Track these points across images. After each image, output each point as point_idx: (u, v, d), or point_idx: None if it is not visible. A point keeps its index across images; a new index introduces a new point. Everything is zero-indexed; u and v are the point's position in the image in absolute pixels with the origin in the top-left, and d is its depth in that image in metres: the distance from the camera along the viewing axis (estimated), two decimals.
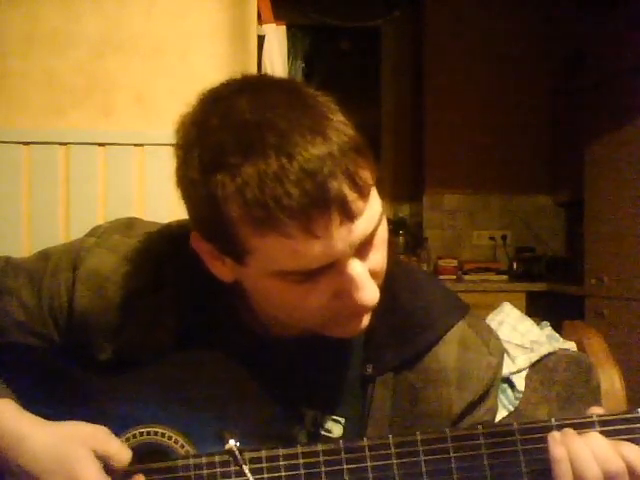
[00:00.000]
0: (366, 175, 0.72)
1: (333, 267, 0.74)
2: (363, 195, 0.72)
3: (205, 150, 0.73)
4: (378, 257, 0.78)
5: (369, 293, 0.75)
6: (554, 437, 0.76)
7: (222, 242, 0.76)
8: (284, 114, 0.71)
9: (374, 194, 0.75)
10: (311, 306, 0.76)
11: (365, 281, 0.75)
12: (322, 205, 0.69)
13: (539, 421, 0.79)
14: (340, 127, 0.72)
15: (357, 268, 0.74)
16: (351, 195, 0.70)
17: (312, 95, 0.75)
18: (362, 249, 0.75)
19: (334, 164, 0.69)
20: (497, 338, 0.92)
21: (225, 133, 0.71)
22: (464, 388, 0.87)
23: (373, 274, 0.77)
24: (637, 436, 0.76)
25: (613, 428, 0.77)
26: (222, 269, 0.80)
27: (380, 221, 0.77)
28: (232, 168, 0.70)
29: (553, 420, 0.78)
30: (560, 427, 0.77)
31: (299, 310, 0.78)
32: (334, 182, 0.69)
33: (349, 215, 0.71)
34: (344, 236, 0.71)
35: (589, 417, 0.78)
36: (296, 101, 0.73)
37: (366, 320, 0.80)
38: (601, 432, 0.77)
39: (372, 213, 0.74)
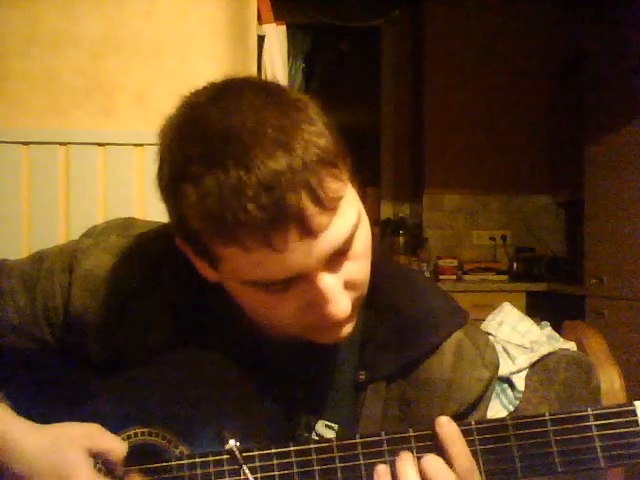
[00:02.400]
0: (334, 187, 0.71)
1: (303, 279, 0.73)
2: (327, 209, 0.70)
3: (176, 158, 0.73)
4: (355, 268, 0.76)
5: (339, 307, 0.74)
6: (378, 471, 0.75)
7: (195, 248, 0.76)
8: (250, 126, 0.70)
9: (347, 205, 0.73)
10: (284, 315, 0.76)
11: (336, 295, 0.74)
12: (279, 220, 0.68)
13: (533, 416, 0.78)
14: (310, 138, 0.70)
15: (327, 281, 0.73)
16: (312, 209, 0.69)
17: (290, 102, 0.73)
18: (334, 261, 0.74)
19: (294, 178, 0.68)
20: (493, 350, 0.91)
21: (194, 142, 0.71)
22: (452, 399, 0.86)
23: (349, 285, 0.76)
24: (632, 430, 0.76)
25: (608, 422, 0.76)
26: (206, 271, 0.79)
27: (354, 232, 0.75)
28: (195, 178, 0.70)
29: (547, 414, 0.77)
30: (554, 421, 0.77)
31: (273, 318, 0.78)
32: (292, 197, 0.68)
33: (309, 230, 0.69)
34: (306, 250, 0.70)
35: (583, 411, 0.77)
36: (269, 110, 0.71)
37: (347, 329, 0.79)
38: (596, 426, 0.76)
39: (342, 226, 0.73)
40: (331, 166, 0.71)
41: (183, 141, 0.73)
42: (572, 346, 1.94)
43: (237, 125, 0.70)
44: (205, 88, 0.77)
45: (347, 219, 0.73)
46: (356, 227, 0.75)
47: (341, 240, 0.73)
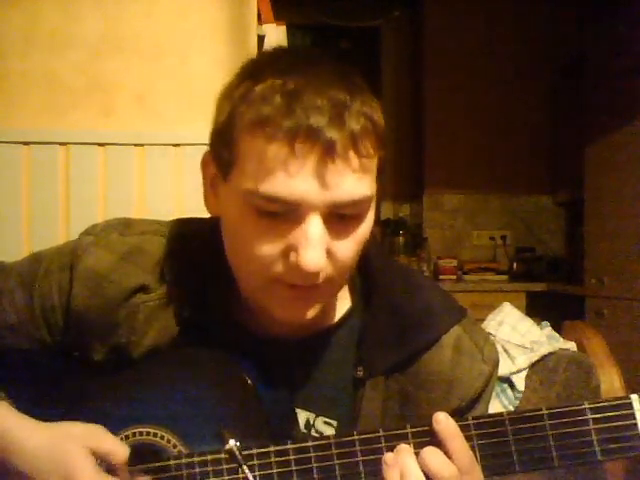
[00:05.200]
0: (369, 146, 0.74)
1: (296, 216, 0.74)
2: (357, 152, 0.73)
3: (249, 66, 0.81)
4: (346, 247, 0.77)
5: (313, 257, 0.74)
6: (386, 461, 0.76)
7: (220, 151, 0.78)
8: (328, 69, 0.77)
9: (370, 175, 0.76)
10: (261, 252, 0.76)
11: (315, 243, 0.74)
12: (313, 133, 0.71)
13: (530, 410, 0.78)
14: (368, 103, 0.76)
15: (315, 226, 0.74)
16: (345, 144, 0.72)
17: (360, 80, 0.80)
18: (334, 221, 0.75)
19: (343, 112, 0.73)
20: (492, 345, 0.91)
21: (272, 58, 0.81)
22: (452, 394, 0.86)
23: (331, 256, 0.77)
24: (629, 422, 0.76)
25: (605, 415, 0.76)
26: (213, 200, 0.83)
27: (365, 208, 0.77)
28: (260, 77, 0.75)
29: (544, 409, 0.77)
30: (551, 415, 0.77)
31: (251, 253, 0.77)
32: (335, 124, 0.72)
33: (332, 157, 0.72)
34: (321, 177, 0.72)
35: (580, 405, 0.77)
36: (347, 69, 0.79)
37: (311, 311, 0.80)
38: (593, 419, 0.76)
39: (359, 185, 0.75)
40: (374, 133, 0.75)
41: (263, 57, 0.84)
42: (572, 346, 1.94)
43: (321, 61, 0.79)
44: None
45: (365, 186, 0.76)
46: (367, 207, 0.78)
47: (352, 196, 0.74)
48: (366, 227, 0.79)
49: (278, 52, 0.84)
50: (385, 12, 4.68)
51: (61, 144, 1.83)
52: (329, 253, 0.76)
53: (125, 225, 0.93)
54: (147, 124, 1.85)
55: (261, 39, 2.02)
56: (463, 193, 4.55)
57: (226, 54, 1.89)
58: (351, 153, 0.73)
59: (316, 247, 0.74)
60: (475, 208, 4.59)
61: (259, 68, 0.78)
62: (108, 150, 1.84)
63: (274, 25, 2.09)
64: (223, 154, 0.78)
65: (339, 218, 0.76)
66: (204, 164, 0.83)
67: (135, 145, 1.84)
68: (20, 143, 1.81)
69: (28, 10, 1.83)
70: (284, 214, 0.74)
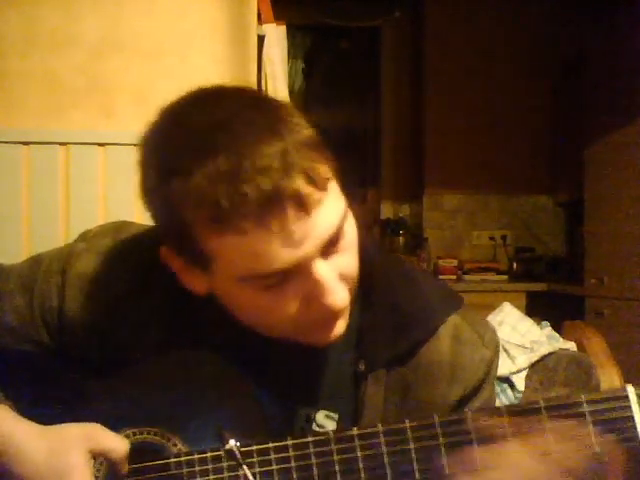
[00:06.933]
0: (322, 169, 0.73)
1: (299, 271, 0.73)
2: (319, 188, 0.72)
3: (161, 158, 0.75)
4: (345, 260, 0.77)
5: (338, 296, 0.75)
6: None
7: (186, 250, 0.76)
8: (238, 116, 0.72)
9: (335, 190, 0.75)
10: (281, 314, 0.76)
11: (333, 284, 0.74)
12: (276, 200, 0.69)
13: (528, 403, 0.78)
14: (295, 127, 0.73)
15: (323, 270, 0.74)
16: (306, 189, 0.71)
17: (268, 99, 0.78)
18: (327, 251, 0.75)
19: (287, 160, 0.70)
20: (493, 331, 0.91)
21: (180, 139, 0.74)
22: (456, 381, 0.87)
23: (342, 277, 0.77)
24: (626, 414, 0.76)
25: (601, 407, 0.76)
26: (194, 282, 0.80)
27: (344, 220, 0.76)
28: (185, 171, 0.71)
29: (541, 401, 0.77)
30: (548, 408, 0.77)
31: (270, 319, 0.77)
32: (287, 178, 0.70)
33: (305, 208, 0.71)
34: (303, 231, 0.71)
35: (577, 397, 0.77)
36: (250, 105, 0.75)
37: (341, 325, 0.80)
38: (590, 412, 0.76)
39: (333, 208, 0.74)
40: (317, 150, 0.73)
41: (169, 140, 0.75)
42: (572, 346, 1.95)
43: (223, 118, 0.72)
44: (180, 97, 0.80)
45: (337, 204, 0.75)
46: (344, 218, 0.77)
47: (335, 222, 0.74)
48: (351, 230, 0.79)
49: (171, 126, 0.77)
50: (385, 12, 4.68)
51: (61, 144, 1.83)
52: (339, 277, 0.76)
53: (117, 230, 0.93)
54: (147, 124, 1.84)
55: (261, 39, 2.02)
56: (463, 193, 4.55)
57: (226, 54, 1.89)
58: (314, 186, 0.72)
59: (336, 287, 0.75)
60: (475, 208, 4.59)
61: (176, 158, 0.73)
62: (108, 150, 1.84)
63: (274, 25, 2.09)
64: (189, 253, 0.76)
65: (331, 243, 0.75)
66: (167, 258, 0.80)
67: (135, 145, 1.83)
68: (20, 143, 1.81)
69: (28, 10, 1.83)
70: (289, 273, 0.73)
